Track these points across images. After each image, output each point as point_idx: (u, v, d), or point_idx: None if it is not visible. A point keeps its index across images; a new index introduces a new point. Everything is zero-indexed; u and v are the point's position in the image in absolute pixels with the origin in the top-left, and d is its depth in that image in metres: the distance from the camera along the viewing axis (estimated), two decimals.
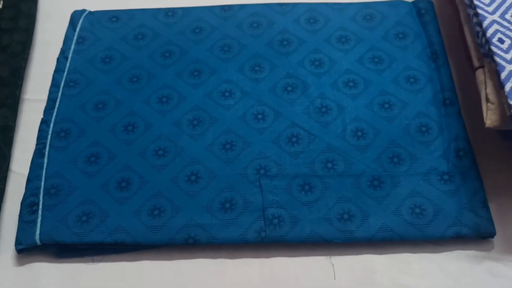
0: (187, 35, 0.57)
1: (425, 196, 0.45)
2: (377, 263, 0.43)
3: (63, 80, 0.53)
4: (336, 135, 0.48)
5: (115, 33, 0.57)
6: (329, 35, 0.56)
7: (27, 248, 0.43)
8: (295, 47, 0.55)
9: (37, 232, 0.43)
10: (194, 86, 0.52)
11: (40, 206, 0.45)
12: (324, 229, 0.43)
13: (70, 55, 0.55)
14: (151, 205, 0.45)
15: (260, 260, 0.43)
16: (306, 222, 0.44)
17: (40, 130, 0.50)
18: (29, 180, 0.47)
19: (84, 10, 0.59)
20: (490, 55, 0.43)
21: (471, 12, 0.47)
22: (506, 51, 0.43)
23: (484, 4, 0.46)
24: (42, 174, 0.47)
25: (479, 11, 0.46)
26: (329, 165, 0.47)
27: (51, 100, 0.52)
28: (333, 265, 0.43)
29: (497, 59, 0.42)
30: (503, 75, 0.41)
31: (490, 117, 0.42)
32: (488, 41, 0.44)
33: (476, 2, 0.46)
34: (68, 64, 0.55)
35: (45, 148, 0.49)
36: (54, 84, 0.53)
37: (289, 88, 0.52)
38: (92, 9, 0.60)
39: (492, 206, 0.44)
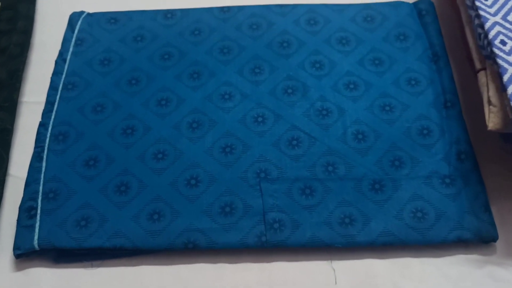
0: (186, 37, 0.56)
1: (426, 199, 0.44)
2: (378, 267, 0.43)
3: (61, 82, 0.53)
4: (337, 138, 0.48)
5: (114, 35, 0.57)
6: (329, 36, 0.55)
7: (25, 253, 0.43)
8: (295, 48, 0.54)
9: (36, 237, 0.43)
10: (194, 89, 0.52)
11: (39, 211, 0.45)
12: (325, 233, 0.43)
13: (68, 57, 0.55)
14: (151, 210, 0.45)
15: (260, 265, 0.43)
16: (307, 226, 0.43)
17: (38, 133, 0.49)
18: (27, 184, 0.46)
19: (82, 12, 0.59)
20: (492, 57, 0.43)
21: (472, 13, 0.47)
22: (509, 53, 0.42)
23: (486, 5, 0.46)
24: (41, 178, 0.47)
25: (481, 12, 0.45)
26: (330, 168, 0.46)
27: (49, 103, 0.52)
28: (334, 269, 0.43)
29: (499, 61, 0.42)
30: (505, 78, 0.41)
31: (492, 120, 0.42)
32: (490, 43, 0.43)
33: (478, 4, 0.46)
34: (66, 67, 0.54)
35: (43, 151, 0.48)
36: (52, 87, 0.53)
37: (289, 91, 0.51)
38: (91, 11, 0.59)
39: (494, 210, 0.44)
